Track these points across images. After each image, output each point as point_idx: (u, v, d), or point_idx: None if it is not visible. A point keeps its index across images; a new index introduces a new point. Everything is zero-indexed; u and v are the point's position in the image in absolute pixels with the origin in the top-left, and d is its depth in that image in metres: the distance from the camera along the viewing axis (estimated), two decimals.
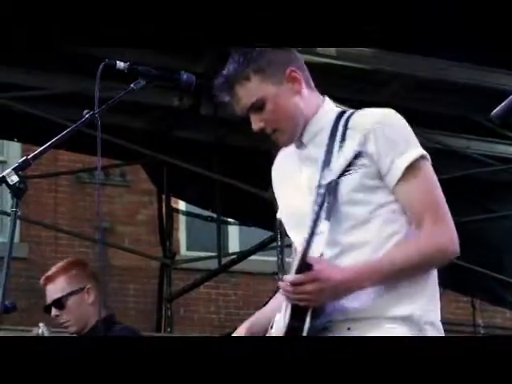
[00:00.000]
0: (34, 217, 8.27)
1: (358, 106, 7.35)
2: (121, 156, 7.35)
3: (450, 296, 9.19)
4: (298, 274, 2.27)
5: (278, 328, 2.42)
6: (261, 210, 6.59)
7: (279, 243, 5.97)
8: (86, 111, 2.46)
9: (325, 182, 2.35)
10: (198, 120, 6.74)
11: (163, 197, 7.74)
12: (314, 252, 2.30)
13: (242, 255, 7.39)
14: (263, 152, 6.46)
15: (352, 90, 6.36)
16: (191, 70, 2.73)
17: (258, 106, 2.44)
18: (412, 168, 2.38)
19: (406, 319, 2.36)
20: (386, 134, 2.40)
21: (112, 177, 9.30)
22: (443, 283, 8.83)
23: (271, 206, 6.01)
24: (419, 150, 2.42)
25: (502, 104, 1.76)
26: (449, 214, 2.40)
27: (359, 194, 2.38)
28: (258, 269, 8.88)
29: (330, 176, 2.33)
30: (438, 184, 2.45)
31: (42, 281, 3.83)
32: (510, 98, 1.77)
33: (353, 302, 2.35)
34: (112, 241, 8.98)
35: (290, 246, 8.88)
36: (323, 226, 2.32)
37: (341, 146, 2.37)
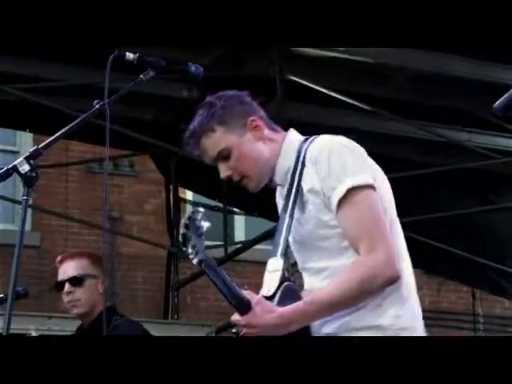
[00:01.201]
0: (45, 206, 8.28)
1: (362, 98, 7.35)
2: (130, 146, 7.35)
3: (451, 286, 9.20)
4: (237, 315, 2.40)
5: None
6: (266, 200, 6.58)
7: None
8: (95, 102, 2.46)
9: (284, 222, 2.49)
10: None
11: (171, 187, 7.74)
12: (270, 288, 2.46)
13: (248, 244, 7.39)
14: None
15: (356, 83, 6.35)
16: (198, 62, 2.72)
17: (224, 156, 2.56)
18: (344, 200, 2.41)
19: (377, 328, 2.40)
20: (321, 169, 2.45)
21: (121, 167, 9.30)
22: (445, 274, 8.83)
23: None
24: (353, 180, 2.41)
25: (504, 96, 1.75)
26: (385, 240, 2.39)
27: (322, 230, 2.46)
28: (263, 258, 8.86)
29: (289, 218, 2.47)
30: (375, 210, 2.42)
31: (60, 258, 3.80)
32: (511, 90, 1.75)
33: (323, 326, 2.43)
34: (121, 229, 8.99)
35: None
36: (278, 263, 2.49)
37: (298, 185, 2.48)
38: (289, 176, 2.52)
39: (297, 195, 2.48)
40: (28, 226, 8.67)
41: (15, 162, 2.33)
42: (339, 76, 6.26)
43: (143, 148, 7.36)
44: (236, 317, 2.40)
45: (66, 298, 3.72)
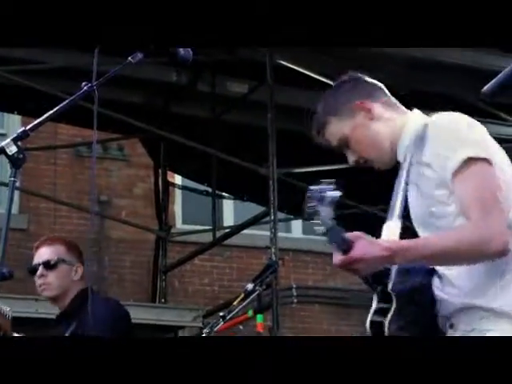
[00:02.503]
0: (33, 189, 8.25)
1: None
2: (119, 130, 7.32)
3: None
4: (342, 256, 2.38)
5: None
6: (255, 186, 6.57)
7: (272, 218, 5.95)
8: (84, 84, 2.44)
9: (397, 197, 2.54)
10: (195, 96, 6.72)
11: (160, 171, 7.73)
12: None
13: (236, 229, 7.39)
14: (259, 128, 6.45)
15: (347, 68, 6.32)
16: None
17: (345, 144, 2.65)
18: (460, 170, 2.42)
19: (497, 312, 2.39)
20: (434, 145, 2.48)
21: (110, 150, 9.27)
22: None
23: (265, 181, 6.01)
24: (468, 151, 2.42)
25: (493, 81, 1.74)
26: (499, 210, 2.38)
27: (434, 207, 2.49)
28: (251, 242, 8.88)
29: (402, 192, 2.52)
30: (491, 182, 2.42)
31: (37, 243, 3.88)
32: (500, 74, 1.75)
33: (453, 298, 2.44)
34: (109, 213, 8.97)
35: (282, 220, 8.84)
36: (394, 225, 2.52)
37: (414, 160, 2.53)
38: (408, 153, 2.55)
39: (410, 170, 2.51)
40: (15, 209, 8.64)
41: (2, 144, 2.31)
42: (329, 61, 6.23)
43: (132, 132, 7.33)
44: (338, 257, 2.38)
45: (38, 281, 3.80)
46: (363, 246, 2.36)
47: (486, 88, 1.72)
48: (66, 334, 3.67)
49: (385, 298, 2.47)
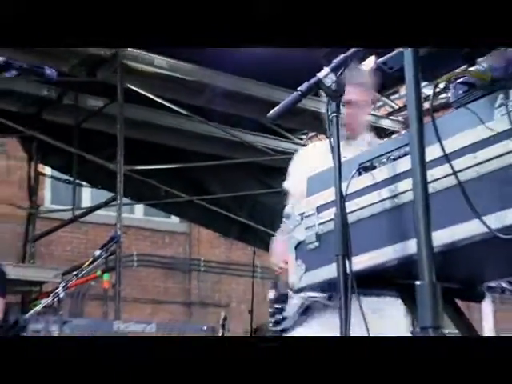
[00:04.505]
0: None
1: (182, 105, 7.21)
2: (1, 130, 7.00)
3: (240, 245, 9.39)
4: None
5: None
6: (107, 177, 6.52)
7: (119, 202, 5.93)
8: None
9: None
10: (62, 107, 6.60)
11: (32, 163, 7.54)
12: None
13: (91, 209, 7.30)
14: (110, 135, 6.36)
15: (178, 93, 6.36)
16: (59, 68, 2.55)
17: None
18: None
19: None
20: None
21: None
22: (235, 236, 8.87)
23: (114, 174, 5.93)
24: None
25: (276, 108, 1.84)
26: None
27: None
28: (102, 220, 8.72)
29: None
30: None
31: None
32: (281, 103, 1.83)
33: None
34: None
35: (126, 204, 8.65)
36: None
37: None
38: None
39: None
40: None
41: None
42: (165, 87, 6.29)
43: (12, 132, 7.03)
44: None
45: None
46: None
47: (271, 112, 1.80)
48: None
49: None
